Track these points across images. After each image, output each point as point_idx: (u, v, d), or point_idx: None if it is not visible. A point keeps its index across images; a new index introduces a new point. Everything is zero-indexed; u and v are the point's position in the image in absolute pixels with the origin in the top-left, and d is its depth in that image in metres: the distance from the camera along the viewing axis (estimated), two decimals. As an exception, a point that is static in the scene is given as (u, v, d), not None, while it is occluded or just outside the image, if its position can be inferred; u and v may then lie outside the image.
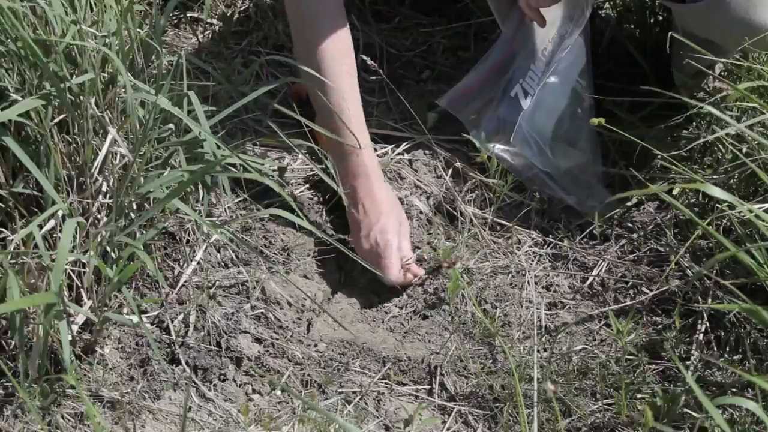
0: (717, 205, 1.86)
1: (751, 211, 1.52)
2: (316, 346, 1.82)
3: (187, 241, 1.87)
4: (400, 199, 2.05)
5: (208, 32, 2.44)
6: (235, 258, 1.90)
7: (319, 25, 2.02)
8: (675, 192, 2.07)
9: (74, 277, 1.68)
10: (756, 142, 1.89)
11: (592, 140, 2.16)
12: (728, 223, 1.90)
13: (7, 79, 1.69)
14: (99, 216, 1.71)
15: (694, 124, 2.14)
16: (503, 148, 2.09)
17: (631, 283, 1.95)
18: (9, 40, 1.67)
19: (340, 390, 1.76)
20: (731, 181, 1.98)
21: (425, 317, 1.90)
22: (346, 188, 1.96)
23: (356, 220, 1.96)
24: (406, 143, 2.19)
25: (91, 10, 1.80)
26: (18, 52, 1.67)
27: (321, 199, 2.07)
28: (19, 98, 1.64)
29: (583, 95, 2.15)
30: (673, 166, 1.95)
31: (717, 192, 1.40)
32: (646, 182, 2.05)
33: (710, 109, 1.60)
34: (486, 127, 2.12)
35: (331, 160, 1.98)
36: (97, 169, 1.69)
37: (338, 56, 2.01)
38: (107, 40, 1.73)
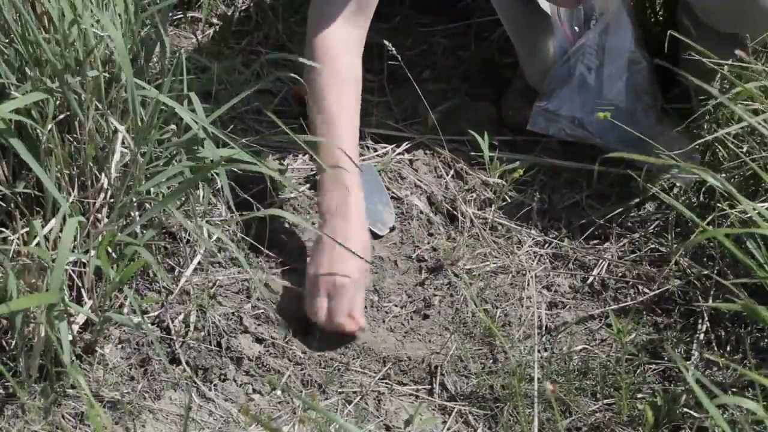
0: (718, 204, 1.86)
1: (753, 209, 1.51)
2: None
3: (188, 241, 1.87)
4: (400, 199, 2.05)
5: (208, 32, 2.44)
6: (235, 258, 1.90)
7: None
8: (675, 191, 2.06)
9: (75, 276, 1.67)
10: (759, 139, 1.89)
11: (654, 106, 2.17)
12: (729, 223, 1.90)
13: (8, 76, 1.69)
14: (100, 215, 1.71)
15: (696, 123, 2.14)
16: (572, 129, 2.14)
17: (631, 283, 1.95)
18: (13, 35, 1.67)
19: (340, 390, 1.76)
20: (732, 181, 1.98)
21: (426, 317, 1.90)
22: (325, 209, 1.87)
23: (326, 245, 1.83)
24: (406, 143, 2.19)
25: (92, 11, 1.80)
26: (20, 48, 1.67)
27: (321, 199, 2.06)
28: (20, 96, 1.64)
29: (639, 61, 2.16)
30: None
31: (714, 180, 1.40)
32: (645, 183, 2.05)
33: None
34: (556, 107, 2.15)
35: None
36: (111, 168, 1.68)
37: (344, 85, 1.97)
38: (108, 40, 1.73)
